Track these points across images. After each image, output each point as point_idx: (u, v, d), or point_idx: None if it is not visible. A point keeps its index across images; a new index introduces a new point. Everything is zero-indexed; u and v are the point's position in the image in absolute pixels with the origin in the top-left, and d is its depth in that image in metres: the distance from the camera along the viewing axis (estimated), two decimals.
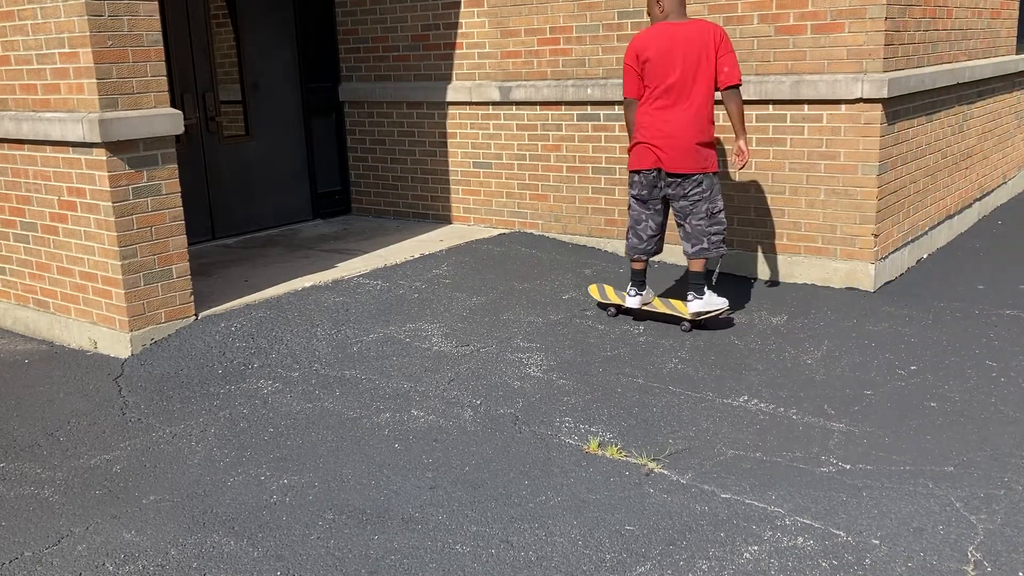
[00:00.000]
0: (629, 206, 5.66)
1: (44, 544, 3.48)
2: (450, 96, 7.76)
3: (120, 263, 5.15)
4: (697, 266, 5.48)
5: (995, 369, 4.96)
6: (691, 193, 5.41)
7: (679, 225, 5.55)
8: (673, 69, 5.31)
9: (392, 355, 5.26)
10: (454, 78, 7.75)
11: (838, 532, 3.42)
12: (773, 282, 6.52)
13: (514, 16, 7.34)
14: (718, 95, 5.85)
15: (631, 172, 5.57)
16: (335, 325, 5.61)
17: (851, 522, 3.49)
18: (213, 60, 7.45)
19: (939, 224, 7.44)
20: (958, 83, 7.31)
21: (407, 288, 6.26)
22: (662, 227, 5.64)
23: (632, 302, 5.70)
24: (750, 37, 6.35)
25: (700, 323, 5.60)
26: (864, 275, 6.26)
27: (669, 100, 5.35)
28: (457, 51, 7.69)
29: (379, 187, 8.47)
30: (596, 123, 7.11)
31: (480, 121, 7.71)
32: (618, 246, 7.19)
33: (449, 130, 7.90)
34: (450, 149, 7.94)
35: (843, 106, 6.12)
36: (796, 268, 6.48)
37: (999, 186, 9.02)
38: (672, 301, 5.81)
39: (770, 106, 6.36)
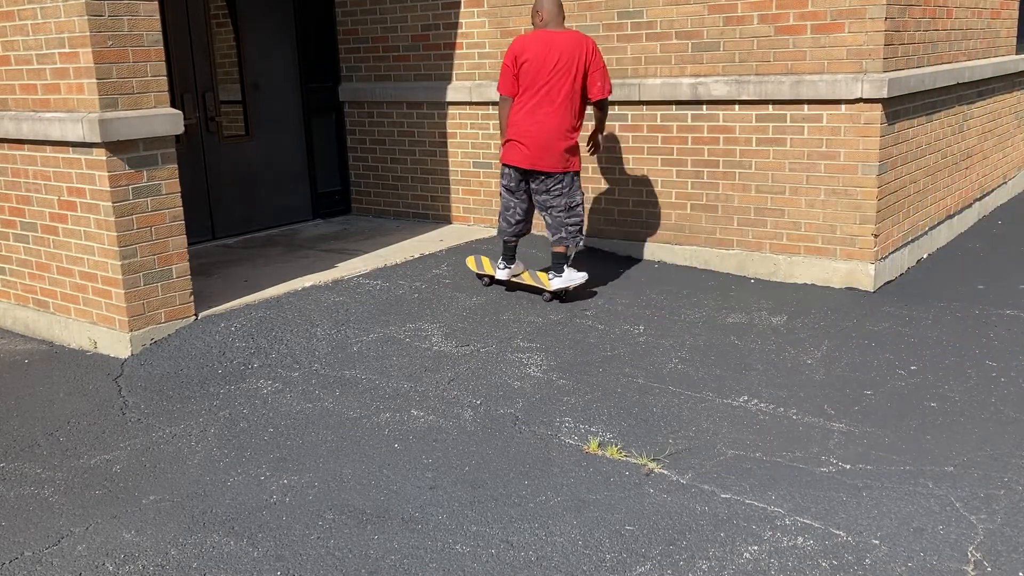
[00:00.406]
0: (500, 194, 6.23)
1: (44, 544, 3.48)
2: (450, 96, 7.76)
3: (120, 263, 5.15)
4: (558, 250, 6.07)
5: (995, 369, 4.96)
6: (552, 189, 5.97)
7: (541, 215, 6.15)
8: (545, 73, 5.82)
9: (392, 355, 5.26)
10: (454, 78, 7.75)
11: (838, 532, 3.42)
12: (773, 282, 6.52)
13: (514, 16, 7.34)
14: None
15: (503, 164, 6.09)
16: (335, 325, 5.61)
17: (851, 522, 3.49)
18: (213, 60, 7.45)
19: (939, 224, 7.44)
20: (958, 83, 7.31)
21: (407, 288, 6.26)
22: (528, 213, 6.25)
23: (501, 274, 6.32)
24: (750, 37, 6.35)
25: (560, 296, 6.19)
26: (864, 275, 6.27)
27: (538, 101, 5.86)
28: (457, 51, 7.69)
29: (379, 187, 8.47)
30: None
31: (480, 121, 7.70)
32: (617, 246, 7.20)
33: (449, 130, 7.90)
34: (450, 149, 7.94)
35: (843, 106, 6.12)
36: (796, 268, 6.48)
37: (999, 186, 9.02)
38: (539, 274, 6.29)
39: (770, 106, 6.36)
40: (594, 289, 6.36)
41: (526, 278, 6.31)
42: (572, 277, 6.09)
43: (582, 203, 6.07)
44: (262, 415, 4.57)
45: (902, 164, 6.53)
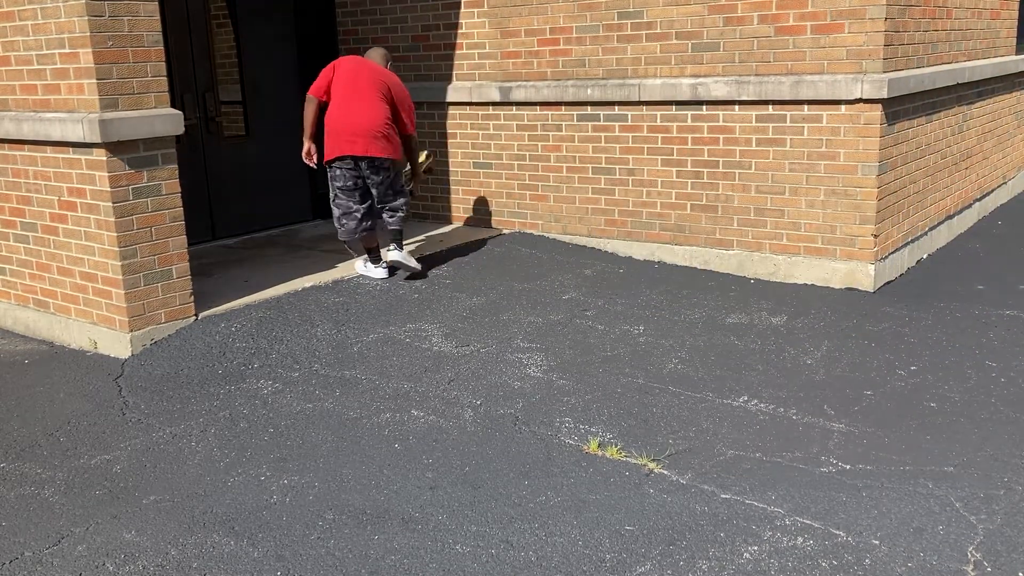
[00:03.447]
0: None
1: (44, 544, 3.48)
2: (450, 96, 7.76)
3: (120, 263, 5.15)
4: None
5: (995, 369, 4.96)
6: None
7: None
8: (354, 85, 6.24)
9: (392, 355, 5.26)
10: (454, 78, 7.76)
11: (838, 532, 3.42)
12: (773, 282, 6.52)
13: (514, 16, 7.34)
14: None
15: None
16: (335, 325, 5.61)
17: (851, 522, 3.49)
18: (213, 60, 7.45)
19: (939, 224, 7.44)
20: (958, 83, 7.31)
21: (407, 288, 6.26)
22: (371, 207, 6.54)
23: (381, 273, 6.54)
24: (750, 37, 6.35)
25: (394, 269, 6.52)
26: (864, 275, 6.27)
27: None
28: (457, 51, 7.69)
29: None
30: (596, 123, 7.11)
31: (480, 121, 7.71)
32: (618, 246, 7.20)
33: (449, 130, 7.90)
34: (450, 149, 7.94)
35: (843, 106, 6.12)
36: (796, 268, 6.48)
37: (999, 186, 9.02)
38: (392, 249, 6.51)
39: (770, 106, 6.36)
40: (592, 292, 6.35)
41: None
42: (409, 260, 6.42)
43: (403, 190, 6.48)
44: (262, 415, 4.57)
45: (902, 164, 6.53)
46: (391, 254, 6.38)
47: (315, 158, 6.42)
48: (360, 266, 6.58)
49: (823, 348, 5.31)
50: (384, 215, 6.43)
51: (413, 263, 6.40)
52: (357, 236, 6.36)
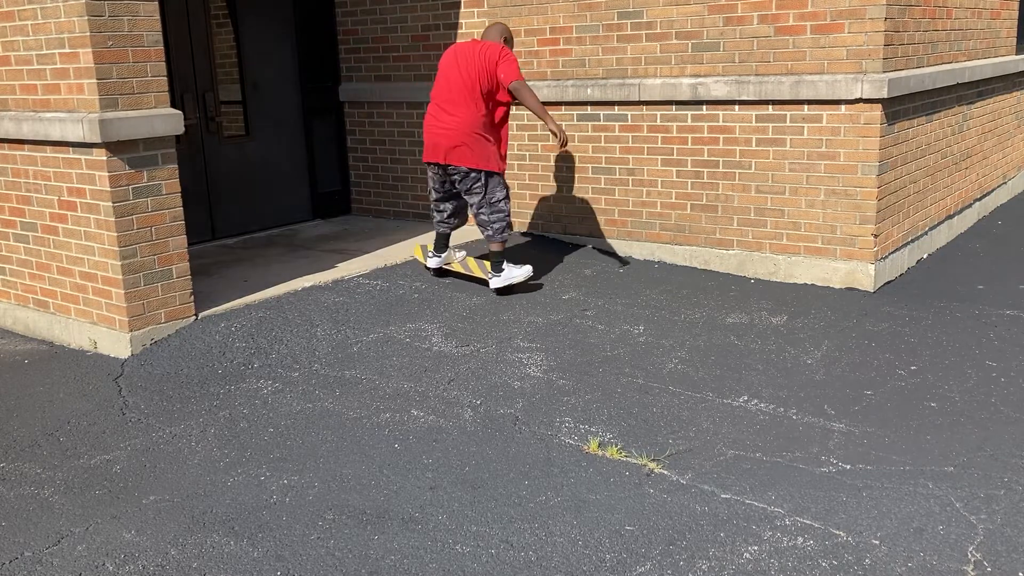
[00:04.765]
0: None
1: (44, 544, 3.48)
2: None
3: (120, 263, 5.15)
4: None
5: (995, 369, 4.96)
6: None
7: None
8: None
9: (392, 355, 5.26)
10: None
11: (838, 532, 3.42)
12: (773, 282, 6.52)
13: (514, 16, 7.34)
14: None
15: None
16: (335, 325, 5.61)
17: (851, 522, 3.49)
18: (213, 60, 7.45)
19: (939, 224, 7.44)
20: (958, 83, 7.31)
21: (407, 288, 6.26)
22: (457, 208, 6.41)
23: (431, 263, 6.45)
24: (750, 37, 6.35)
25: (506, 291, 6.23)
26: (864, 275, 6.27)
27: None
28: None
29: (379, 187, 8.47)
30: (596, 123, 7.11)
31: None
32: (618, 246, 7.20)
33: None
34: None
35: (843, 106, 6.12)
36: (796, 268, 6.48)
37: (999, 186, 9.02)
38: (486, 263, 6.37)
39: (770, 106, 6.36)
40: (589, 291, 6.36)
41: (472, 266, 6.40)
42: (512, 275, 6.16)
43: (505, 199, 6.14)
44: (262, 415, 4.57)
45: (902, 164, 6.53)
46: (492, 280, 6.18)
47: None
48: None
49: (823, 348, 5.31)
50: (479, 229, 6.25)
51: (513, 281, 6.14)
52: (439, 230, 6.38)
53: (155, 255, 5.29)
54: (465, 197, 6.16)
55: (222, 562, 3.33)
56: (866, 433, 4.25)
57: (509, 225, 6.18)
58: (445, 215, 6.36)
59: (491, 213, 6.08)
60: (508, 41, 6.22)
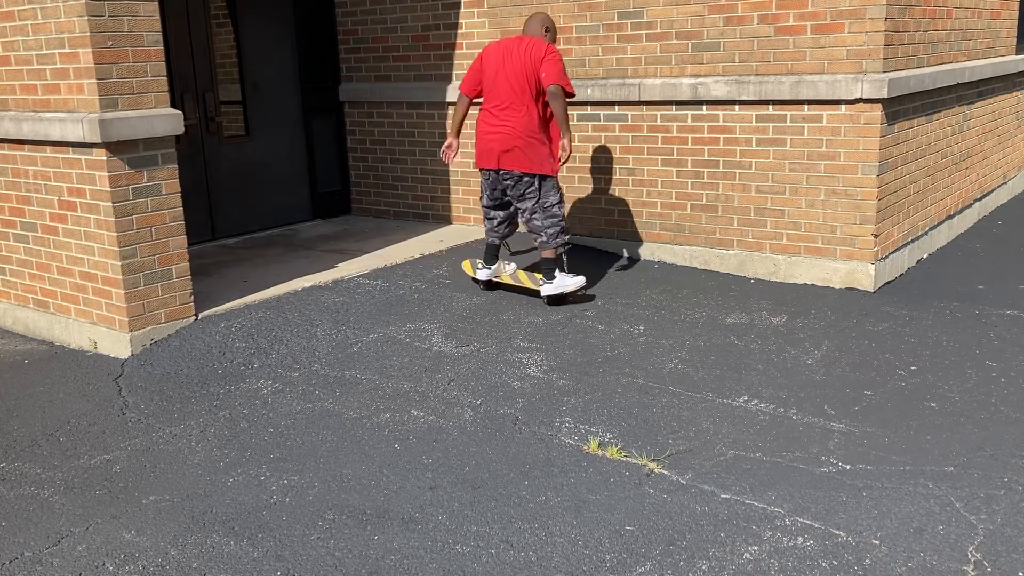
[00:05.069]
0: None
1: (44, 544, 3.48)
2: (450, 96, 7.75)
3: (120, 263, 5.15)
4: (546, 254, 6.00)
5: (995, 369, 4.96)
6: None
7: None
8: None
9: (392, 355, 5.26)
10: (454, 78, 7.75)
11: (838, 532, 3.42)
12: (773, 282, 6.52)
13: (514, 16, 7.34)
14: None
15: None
16: (335, 325, 5.61)
17: (851, 522, 3.49)
18: (213, 60, 7.45)
19: (939, 224, 7.44)
20: (958, 83, 7.31)
21: (407, 288, 6.26)
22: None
23: (481, 275, 6.24)
24: (750, 37, 6.35)
25: (558, 300, 6.04)
26: (864, 275, 6.27)
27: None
28: (457, 51, 7.69)
29: (379, 187, 8.47)
30: (596, 123, 7.11)
31: None
32: (617, 246, 7.20)
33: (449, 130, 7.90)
34: None
35: (843, 106, 6.12)
36: (796, 268, 6.48)
37: (999, 186, 9.02)
38: (536, 274, 6.16)
39: (770, 106, 6.36)
40: (592, 292, 6.36)
41: (522, 278, 6.21)
42: (564, 283, 5.96)
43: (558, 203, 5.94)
44: (262, 415, 4.57)
45: (902, 164, 6.53)
46: (543, 288, 5.95)
47: (452, 155, 6.11)
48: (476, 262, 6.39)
49: (823, 348, 5.31)
50: (531, 236, 6.05)
51: (565, 290, 5.94)
52: (490, 240, 6.20)
53: (155, 255, 5.29)
54: (517, 204, 5.98)
55: (222, 562, 3.33)
56: (866, 433, 4.25)
57: (564, 230, 5.95)
58: (495, 222, 6.16)
59: (545, 218, 5.90)
60: (550, 32, 6.00)
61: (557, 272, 5.96)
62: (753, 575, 3.18)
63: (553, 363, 5.14)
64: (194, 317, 5.53)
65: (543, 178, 5.88)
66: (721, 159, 6.62)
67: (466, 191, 7.92)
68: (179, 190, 5.34)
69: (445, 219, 8.12)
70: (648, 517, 3.56)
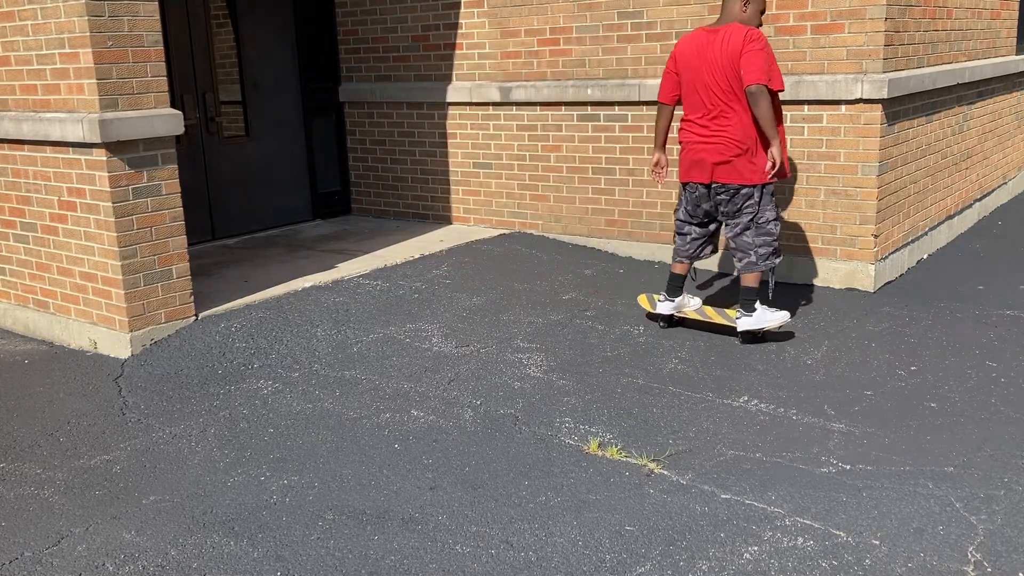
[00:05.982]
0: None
1: (44, 544, 3.48)
2: (450, 96, 7.76)
3: (120, 263, 5.15)
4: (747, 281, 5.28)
5: (995, 369, 4.96)
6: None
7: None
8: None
9: (392, 355, 5.26)
10: (454, 78, 7.76)
11: (838, 532, 3.42)
12: (772, 282, 6.51)
13: (514, 17, 7.34)
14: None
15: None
16: (335, 325, 5.61)
17: (851, 522, 3.49)
18: (213, 60, 7.45)
19: (939, 224, 7.44)
20: (958, 83, 7.31)
21: (407, 288, 6.26)
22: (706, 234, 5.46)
23: (662, 308, 5.56)
24: None
25: (754, 338, 5.36)
26: (864, 275, 6.27)
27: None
28: (457, 51, 7.69)
29: (379, 187, 8.47)
30: (596, 123, 7.11)
31: (480, 121, 7.71)
32: (618, 246, 7.20)
33: (449, 131, 7.90)
34: (450, 149, 7.94)
35: (843, 106, 6.12)
36: (796, 268, 6.48)
37: (999, 186, 9.02)
38: (728, 311, 5.53)
39: None
40: (592, 292, 6.35)
41: (711, 314, 5.49)
42: (764, 318, 5.22)
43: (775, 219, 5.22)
44: (262, 415, 4.57)
45: (902, 164, 6.53)
46: (740, 321, 5.24)
47: (664, 174, 5.48)
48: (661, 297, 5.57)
49: (823, 348, 5.31)
50: (732, 255, 5.32)
51: (766, 326, 5.24)
52: (678, 259, 5.47)
53: (155, 255, 5.29)
54: (728, 221, 5.23)
55: (222, 562, 3.33)
56: (866, 433, 4.25)
57: (776, 252, 5.18)
58: (689, 239, 5.40)
59: (756, 235, 5.16)
60: (750, 4, 5.06)
61: (757, 304, 5.24)
62: (753, 575, 3.18)
63: (553, 363, 5.14)
64: (194, 317, 5.53)
65: (764, 187, 5.14)
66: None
67: (466, 191, 7.92)
68: (179, 190, 5.35)
69: (445, 219, 8.12)
70: (648, 517, 3.56)
